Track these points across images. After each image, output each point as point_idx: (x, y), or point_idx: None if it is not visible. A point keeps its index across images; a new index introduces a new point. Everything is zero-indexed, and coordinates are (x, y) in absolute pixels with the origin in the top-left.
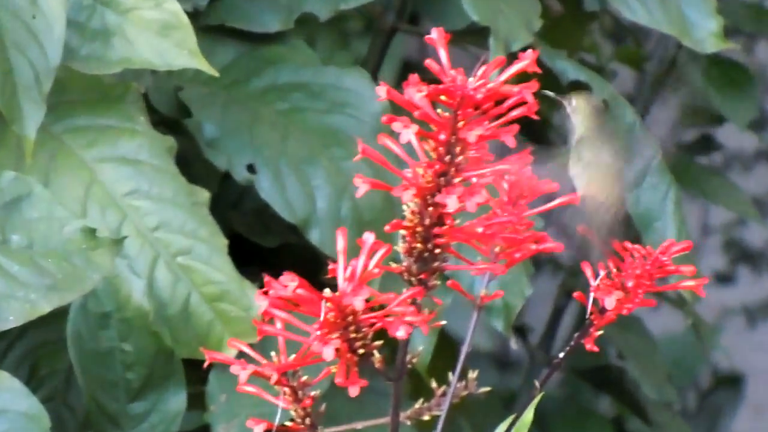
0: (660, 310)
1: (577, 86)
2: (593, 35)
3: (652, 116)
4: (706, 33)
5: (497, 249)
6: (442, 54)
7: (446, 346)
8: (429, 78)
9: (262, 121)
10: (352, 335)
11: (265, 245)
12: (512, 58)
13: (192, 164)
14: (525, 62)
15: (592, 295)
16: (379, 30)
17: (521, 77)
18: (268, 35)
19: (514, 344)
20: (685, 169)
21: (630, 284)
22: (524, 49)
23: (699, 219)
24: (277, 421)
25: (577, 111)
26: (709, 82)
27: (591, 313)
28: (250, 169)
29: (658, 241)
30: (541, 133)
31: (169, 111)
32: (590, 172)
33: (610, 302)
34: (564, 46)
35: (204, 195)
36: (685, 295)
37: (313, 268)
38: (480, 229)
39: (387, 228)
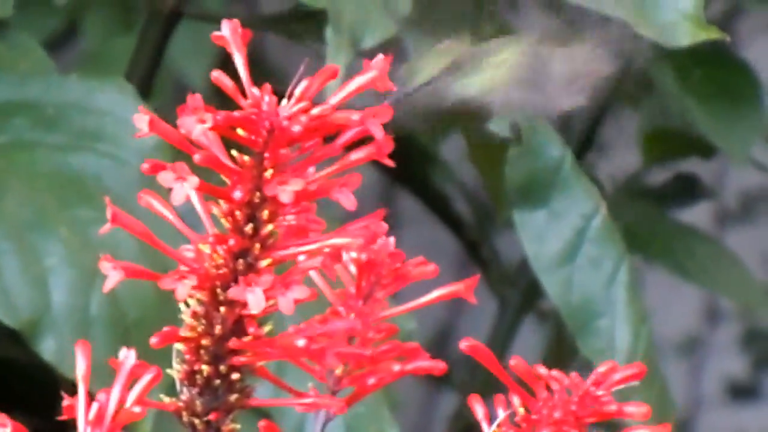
0: None
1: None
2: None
3: (597, 144)
4: (676, 15)
5: (339, 371)
6: (239, 60)
7: None
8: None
9: None
10: None
11: None
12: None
13: None
14: (372, 73)
15: None
16: (154, 14)
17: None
18: None
19: None
20: (651, 230)
21: None
22: (385, 46)
23: (702, 299)
24: None
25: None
26: (686, 91)
27: None
28: None
29: (600, 350)
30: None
31: None
32: None
33: None
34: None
35: None
36: None
37: (47, 400)
38: (302, 342)
39: (154, 341)
